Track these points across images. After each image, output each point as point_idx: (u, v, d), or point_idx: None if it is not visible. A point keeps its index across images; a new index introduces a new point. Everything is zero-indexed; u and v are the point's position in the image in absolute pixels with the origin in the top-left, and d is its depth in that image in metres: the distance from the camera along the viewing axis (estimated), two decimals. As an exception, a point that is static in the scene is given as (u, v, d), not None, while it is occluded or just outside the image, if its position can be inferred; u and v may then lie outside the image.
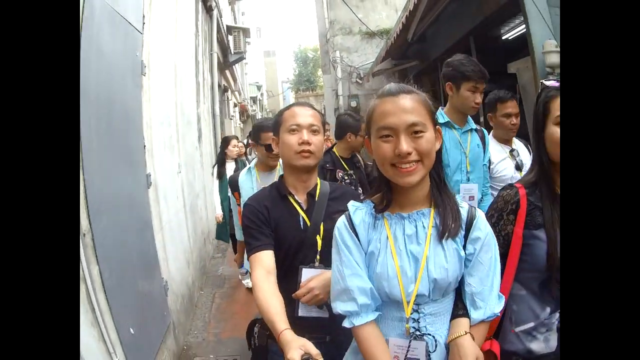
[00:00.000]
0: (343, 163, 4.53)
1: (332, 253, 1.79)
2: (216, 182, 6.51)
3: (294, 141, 2.10)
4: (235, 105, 21.12)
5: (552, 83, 1.89)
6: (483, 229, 1.70)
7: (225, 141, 6.68)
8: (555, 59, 4.81)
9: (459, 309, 1.72)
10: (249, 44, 17.20)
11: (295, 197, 2.19)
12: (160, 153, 4.38)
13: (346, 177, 4.48)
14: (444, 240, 1.65)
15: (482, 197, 3.40)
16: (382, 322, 1.71)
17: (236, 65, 16.98)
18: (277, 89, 54.32)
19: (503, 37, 7.86)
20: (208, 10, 9.21)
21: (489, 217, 1.87)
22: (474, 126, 3.46)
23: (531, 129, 2.08)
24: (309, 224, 2.15)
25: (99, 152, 2.76)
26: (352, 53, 12.68)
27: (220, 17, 11.18)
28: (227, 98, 16.33)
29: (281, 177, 2.27)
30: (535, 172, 1.88)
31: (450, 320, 1.71)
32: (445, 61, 3.44)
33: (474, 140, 3.31)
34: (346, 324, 1.69)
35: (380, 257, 1.67)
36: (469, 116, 3.41)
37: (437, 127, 1.67)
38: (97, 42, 2.79)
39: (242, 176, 4.07)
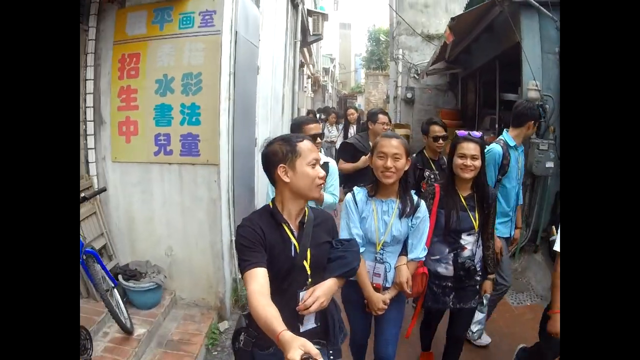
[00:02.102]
0: (431, 164, 4.99)
1: (342, 214, 3.14)
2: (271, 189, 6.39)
3: (314, 174, 2.26)
4: (308, 78, 22.04)
5: (461, 132, 3.47)
6: (422, 212, 3.15)
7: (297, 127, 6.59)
8: (533, 94, 6.72)
9: (402, 252, 3.20)
10: (327, 22, 18.51)
11: (290, 225, 2.33)
12: (261, 124, 6.50)
13: (432, 177, 4.94)
14: (402, 217, 3.09)
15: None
16: (365, 253, 3.09)
17: (313, 40, 18.51)
18: (349, 61, 54.34)
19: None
20: (295, 6, 10.61)
21: (424, 199, 3.33)
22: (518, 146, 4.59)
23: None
24: (298, 250, 2.30)
25: (240, 122, 5.05)
26: (413, 52, 14.46)
27: (303, 4, 12.16)
28: (302, 72, 17.64)
29: (274, 204, 2.38)
30: (445, 179, 3.57)
31: (398, 257, 3.19)
32: (527, 105, 4.64)
33: (513, 157, 4.40)
34: None
35: (368, 220, 3.09)
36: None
37: (408, 158, 3.02)
38: (240, 60, 5.02)
39: None
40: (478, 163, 3.35)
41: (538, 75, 6.92)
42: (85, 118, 4.64)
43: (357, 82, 51.81)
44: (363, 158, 5.01)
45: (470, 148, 3.35)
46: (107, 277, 3.91)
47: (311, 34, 15.08)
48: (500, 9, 7.05)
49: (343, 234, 3.02)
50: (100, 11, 4.60)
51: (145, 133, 4.55)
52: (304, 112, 14.50)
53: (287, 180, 2.26)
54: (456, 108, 13.87)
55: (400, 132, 14.17)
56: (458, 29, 7.93)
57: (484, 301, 3.66)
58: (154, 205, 4.73)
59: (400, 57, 14.45)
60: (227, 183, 4.71)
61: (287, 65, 9.81)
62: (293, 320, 2.25)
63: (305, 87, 20.53)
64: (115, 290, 4.07)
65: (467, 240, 3.44)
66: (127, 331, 3.95)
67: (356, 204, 3.11)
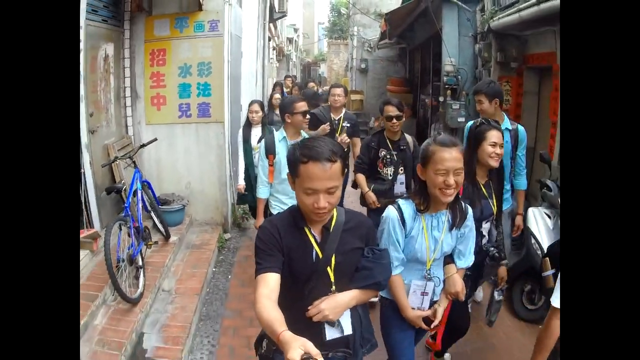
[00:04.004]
0: (389, 144, 4.98)
1: (384, 231, 2.76)
2: (241, 147, 6.30)
3: (310, 203, 2.04)
4: (273, 49, 23.24)
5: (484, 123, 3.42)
6: (471, 220, 2.89)
7: (248, 107, 6.49)
8: (449, 68, 8.97)
9: (447, 261, 2.94)
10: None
11: (311, 229, 2.20)
12: (243, 94, 8.58)
13: (388, 157, 4.96)
14: (453, 229, 2.80)
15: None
16: (408, 272, 2.84)
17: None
18: (313, 29, 55.56)
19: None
20: (266, -3, 12.60)
21: None
22: (509, 126, 4.57)
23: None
24: (320, 256, 2.17)
25: (233, 94, 7.16)
26: (367, 28, 16.77)
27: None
28: (269, 45, 19.36)
29: (298, 207, 2.22)
30: (466, 168, 2.83)
31: (443, 267, 2.93)
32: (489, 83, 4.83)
33: (505, 138, 3.74)
34: None
35: (417, 239, 2.75)
36: (505, 117, 4.68)
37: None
38: (232, 50, 7.06)
39: (278, 143, 4.51)
40: (502, 151, 3.35)
41: (455, 53, 9.20)
42: (125, 95, 6.63)
43: (320, 50, 53.48)
44: (322, 127, 5.81)
45: (500, 136, 3.30)
46: (154, 200, 5.95)
47: (277, 11, 16.77)
48: (426, 4, 9.25)
49: None
50: (132, 18, 6.53)
51: (172, 103, 6.65)
52: (271, 82, 16.00)
53: (293, 190, 2.16)
54: (404, 76, 16.13)
55: (355, 97, 16.55)
56: (394, 19, 10.17)
57: (504, 291, 3.78)
58: (177, 154, 6.84)
59: (355, 33, 16.66)
60: (228, 135, 6.85)
61: (259, 45, 11.83)
62: (316, 328, 2.17)
63: (272, 58, 22.21)
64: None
65: (486, 228, 3.41)
66: (166, 237, 6.02)
67: (402, 223, 2.74)
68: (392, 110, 4.85)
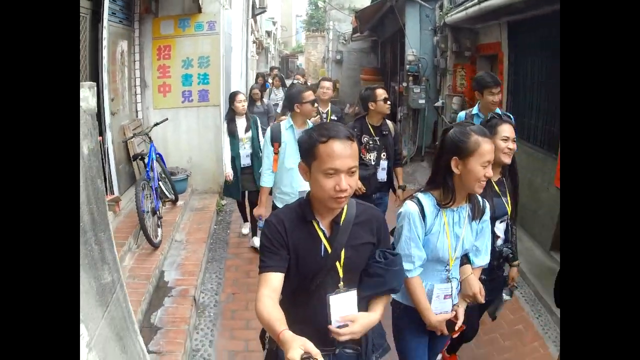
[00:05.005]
0: (371, 129, 4.99)
1: (403, 227, 2.59)
2: (227, 139, 6.42)
3: (331, 186, 1.93)
4: (253, 42, 24.75)
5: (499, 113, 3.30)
6: (487, 216, 2.76)
7: (232, 97, 6.48)
8: (411, 58, 10.30)
9: (463, 261, 2.78)
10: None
11: (320, 223, 2.11)
12: (233, 83, 9.86)
13: (371, 142, 4.96)
14: (473, 222, 2.67)
15: None
16: (428, 274, 2.67)
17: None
18: (290, 21, 56.68)
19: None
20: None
21: None
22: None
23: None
24: (329, 251, 2.09)
25: (225, 82, 8.49)
26: (342, 22, 18.17)
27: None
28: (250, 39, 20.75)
29: (307, 199, 2.15)
30: None
31: (460, 267, 2.76)
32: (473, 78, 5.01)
33: None
34: None
35: (439, 237, 2.57)
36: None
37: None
38: (225, 45, 8.37)
39: (284, 131, 4.52)
40: (515, 145, 3.13)
41: (417, 45, 10.58)
42: (135, 84, 7.87)
43: (298, 42, 54.49)
44: (314, 119, 5.52)
45: (512, 130, 3.11)
46: (165, 169, 7.18)
47: (258, 7, 17.85)
48: (391, 3, 10.63)
49: (401, 251, 2.54)
50: (141, 19, 7.77)
51: (176, 91, 7.98)
52: (252, 74, 17.12)
53: (306, 179, 2.08)
54: (376, 66, 17.51)
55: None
56: (363, 16, 11.60)
57: (512, 291, 3.58)
58: (180, 133, 8.17)
59: (331, 27, 18.04)
60: (222, 115, 8.07)
61: (243, 41, 13.07)
62: (323, 325, 2.08)
63: (252, 51, 23.27)
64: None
65: (500, 228, 3.22)
66: (175, 201, 7.29)
67: (423, 218, 2.57)
68: (384, 93, 4.96)
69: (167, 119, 7.14)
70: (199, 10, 7.72)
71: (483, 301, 2.79)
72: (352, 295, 2.16)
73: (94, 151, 1.59)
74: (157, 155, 6.78)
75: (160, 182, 6.57)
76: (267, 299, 1.94)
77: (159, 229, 5.94)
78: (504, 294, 3.57)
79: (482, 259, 2.84)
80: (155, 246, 5.64)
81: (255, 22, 23.06)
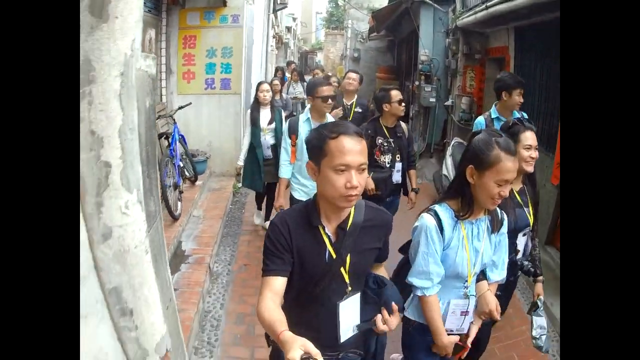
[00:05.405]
0: (385, 131, 4.88)
1: (420, 242, 2.43)
2: (248, 128, 6.30)
3: (341, 183, 1.88)
4: (273, 37, 25.04)
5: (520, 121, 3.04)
6: (505, 228, 2.61)
7: (257, 87, 6.41)
8: (424, 58, 10.78)
9: (480, 276, 2.62)
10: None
11: (326, 228, 2.07)
12: (253, 73, 10.31)
13: (385, 144, 4.88)
14: (492, 234, 2.52)
15: None
16: (445, 291, 2.51)
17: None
18: (310, 18, 56.63)
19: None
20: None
21: None
22: (517, 116, 4.27)
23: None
24: (334, 256, 2.06)
25: (246, 72, 8.99)
26: (360, 21, 18.64)
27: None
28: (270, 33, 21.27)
29: (314, 202, 2.11)
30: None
31: (476, 283, 2.60)
32: (498, 78, 4.76)
33: None
34: (418, 293, 2.44)
35: (457, 251, 2.41)
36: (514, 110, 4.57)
37: None
38: (247, 38, 8.90)
39: (301, 123, 4.53)
40: (537, 154, 3.00)
41: (430, 46, 10.99)
42: (161, 70, 8.39)
43: (318, 39, 54.89)
44: (335, 111, 5.85)
45: (535, 138, 2.99)
46: (187, 150, 7.69)
47: (279, 2, 18.02)
48: (406, 5, 11.09)
49: (418, 268, 2.46)
50: (168, 9, 8.30)
51: (199, 78, 8.52)
52: (271, 67, 17.45)
53: (314, 179, 2.04)
54: (392, 65, 17.94)
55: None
56: (379, 16, 12.09)
57: (539, 304, 3.26)
58: (201, 118, 8.69)
59: (349, 26, 18.54)
60: (243, 103, 8.70)
61: (263, 34, 13.57)
62: (329, 328, 2.11)
63: (272, 46, 23.69)
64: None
65: (521, 241, 3.07)
66: (194, 181, 7.79)
67: (441, 231, 2.43)
68: (399, 95, 4.87)
69: (190, 103, 7.64)
70: (224, 4, 8.27)
71: (499, 318, 2.65)
72: (356, 298, 2.17)
73: (152, 106, 2.03)
74: (180, 137, 7.25)
75: (181, 162, 7.02)
76: (269, 301, 1.93)
77: (179, 203, 6.43)
78: (534, 316, 3.27)
79: (499, 274, 2.69)
80: (175, 218, 6.11)
81: (276, 17, 23.49)
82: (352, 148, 1.88)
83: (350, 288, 2.12)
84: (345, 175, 1.88)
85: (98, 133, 1.54)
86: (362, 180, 1.90)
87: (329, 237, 2.08)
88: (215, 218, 6.95)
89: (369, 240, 2.14)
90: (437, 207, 2.47)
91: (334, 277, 2.08)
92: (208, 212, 7.20)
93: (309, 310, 2.14)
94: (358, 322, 2.17)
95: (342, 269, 2.08)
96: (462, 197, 2.43)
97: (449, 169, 7.51)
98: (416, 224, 2.52)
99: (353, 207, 2.07)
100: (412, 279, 2.45)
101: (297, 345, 1.58)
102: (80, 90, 1.49)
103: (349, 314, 2.13)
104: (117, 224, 1.69)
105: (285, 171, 4.67)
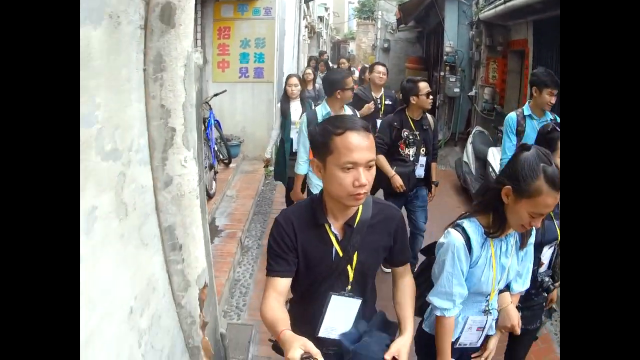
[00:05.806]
0: (411, 123, 4.70)
1: (446, 261, 2.22)
2: (278, 121, 6.09)
3: (349, 182, 1.79)
4: (305, 27, 24.62)
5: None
6: (532, 237, 2.41)
7: (286, 80, 6.26)
8: (448, 49, 11.19)
9: (502, 289, 2.44)
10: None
11: (332, 226, 2.00)
12: (285, 63, 10.84)
13: (411, 137, 4.70)
14: (520, 250, 2.37)
15: None
16: (466, 306, 2.34)
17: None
18: (342, 7, 56.53)
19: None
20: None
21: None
22: (550, 117, 4.25)
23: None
24: (341, 254, 2.00)
25: (278, 62, 9.52)
26: (390, 13, 19.02)
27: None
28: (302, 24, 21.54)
29: (320, 198, 2.03)
30: None
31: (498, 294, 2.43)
32: (533, 73, 4.62)
33: None
34: (437, 313, 2.27)
35: (484, 270, 2.24)
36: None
37: None
38: (279, 29, 9.39)
39: (321, 118, 4.33)
40: None
41: (454, 38, 11.38)
42: (198, 59, 8.96)
43: (350, 29, 55.04)
44: (367, 106, 5.92)
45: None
46: (222, 135, 8.22)
47: None
48: (431, -2, 11.52)
49: (441, 288, 2.26)
50: (203, 2, 8.78)
51: (233, 67, 9.08)
52: (303, 57, 17.99)
53: (320, 177, 1.95)
54: (420, 56, 18.30)
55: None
56: (406, 8, 12.50)
57: (552, 313, 3.27)
58: (235, 104, 9.27)
59: (380, 17, 18.97)
60: (275, 91, 9.19)
61: (295, 25, 14.05)
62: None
63: (304, 35, 24.02)
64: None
65: (547, 255, 2.82)
66: (228, 164, 8.33)
67: (468, 250, 2.23)
68: (427, 86, 4.70)
69: (225, 91, 8.18)
70: (257, -4, 8.81)
71: (519, 332, 2.50)
72: (355, 304, 2.07)
73: (200, 89, 2.53)
74: (215, 122, 7.77)
75: (216, 145, 7.54)
76: (273, 301, 1.91)
77: (214, 183, 6.95)
78: (543, 316, 3.17)
79: (522, 284, 2.52)
80: (210, 196, 6.62)
81: (308, 7, 23.83)
82: (359, 144, 1.79)
83: (350, 287, 2.06)
84: (353, 173, 1.79)
85: (167, 106, 2.04)
86: (370, 178, 1.82)
87: (335, 235, 2.01)
88: (248, 198, 7.48)
89: (378, 237, 2.07)
90: (465, 223, 2.26)
91: (340, 276, 2.04)
92: (241, 192, 7.74)
93: (314, 307, 2.06)
94: (346, 330, 2.10)
95: (348, 267, 2.03)
96: (494, 213, 2.21)
97: (469, 155, 7.94)
98: (442, 240, 2.32)
99: (361, 206, 2.02)
100: (433, 299, 2.29)
101: (298, 345, 1.60)
102: (153, 76, 1.98)
103: (338, 314, 2.06)
104: (177, 174, 2.16)
105: (302, 167, 4.54)
